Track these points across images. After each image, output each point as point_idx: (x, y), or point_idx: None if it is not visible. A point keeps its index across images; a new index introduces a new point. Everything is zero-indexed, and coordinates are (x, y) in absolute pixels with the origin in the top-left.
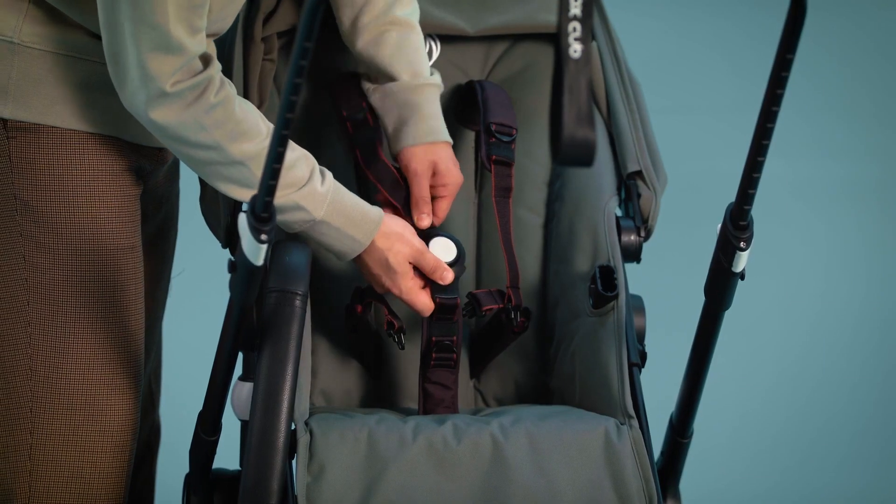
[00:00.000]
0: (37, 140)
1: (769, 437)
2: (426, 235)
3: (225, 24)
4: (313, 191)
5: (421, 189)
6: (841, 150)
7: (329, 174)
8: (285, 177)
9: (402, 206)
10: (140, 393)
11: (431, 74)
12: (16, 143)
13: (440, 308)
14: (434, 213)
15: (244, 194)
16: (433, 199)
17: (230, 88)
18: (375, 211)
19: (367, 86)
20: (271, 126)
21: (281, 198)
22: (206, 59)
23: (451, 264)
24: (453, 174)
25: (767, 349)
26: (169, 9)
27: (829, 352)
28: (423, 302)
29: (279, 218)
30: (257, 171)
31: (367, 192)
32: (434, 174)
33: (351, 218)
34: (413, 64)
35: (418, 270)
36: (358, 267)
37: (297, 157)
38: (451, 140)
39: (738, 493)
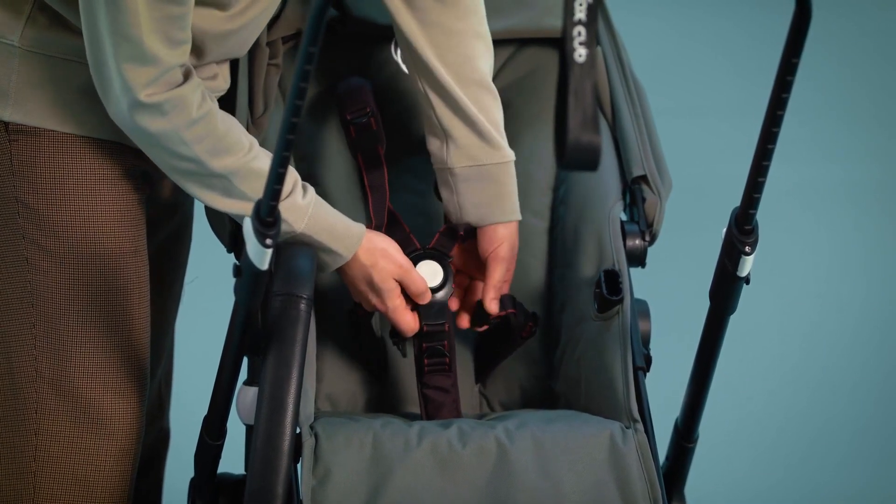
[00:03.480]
0: (38, 143)
1: (769, 436)
2: (415, 258)
3: (239, 49)
4: (294, 204)
5: (501, 275)
6: (841, 152)
7: (311, 188)
8: None
9: (377, 221)
10: (145, 397)
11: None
12: (17, 147)
13: (427, 335)
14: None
15: (226, 204)
16: None
17: (212, 103)
18: (358, 226)
19: (449, 160)
20: (253, 140)
21: None
22: (186, 73)
23: (436, 289)
24: (516, 254)
25: (768, 350)
26: (142, 20)
27: (829, 352)
28: (407, 322)
29: None
30: (239, 184)
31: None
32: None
33: (332, 232)
34: (493, 128)
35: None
36: (346, 284)
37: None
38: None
39: (739, 493)
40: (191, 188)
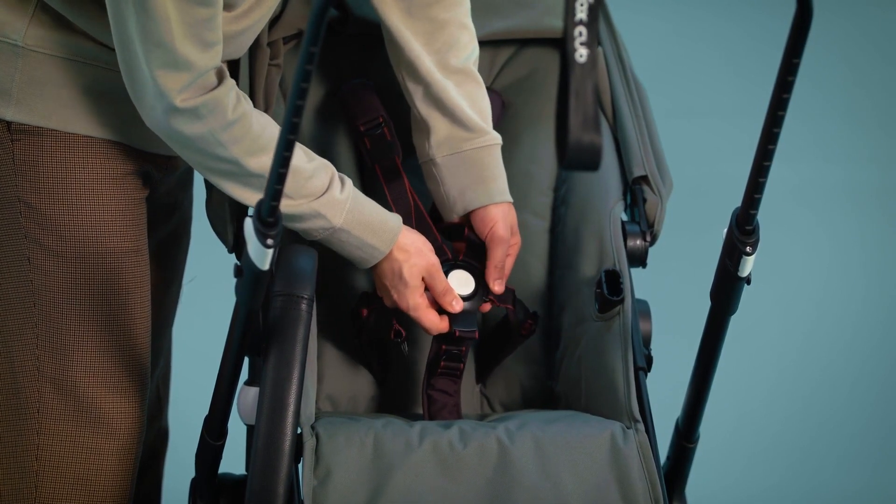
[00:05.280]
0: (41, 143)
1: (768, 436)
2: (447, 267)
3: (239, 51)
4: (332, 198)
5: (502, 255)
6: (842, 153)
7: (349, 181)
8: (305, 186)
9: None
10: (146, 396)
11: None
12: (20, 146)
13: (456, 339)
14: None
15: None
16: None
17: (247, 104)
18: (395, 219)
19: (430, 152)
20: None
21: (300, 206)
22: (220, 75)
23: (467, 298)
24: (518, 235)
25: (767, 350)
26: (173, 26)
27: (829, 353)
28: (431, 320)
29: (299, 226)
30: None
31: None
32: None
33: (370, 226)
34: (477, 113)
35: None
36: (373, 277)
37: (317, 167)
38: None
39: (739, 492)
40: (228, 187)
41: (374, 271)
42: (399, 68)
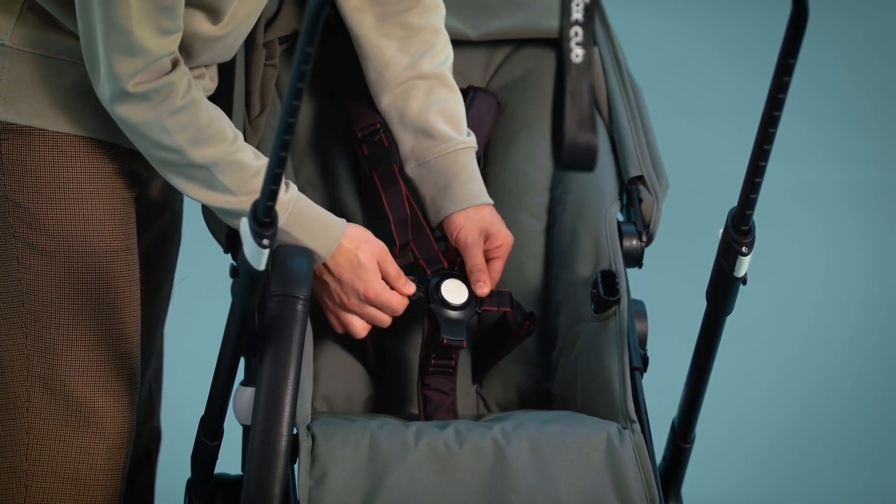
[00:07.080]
0: (28, 142)
1: (766, 437)
2: (442, 276)
3: (227, 54)
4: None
5: (475, 258)
6: (840, 153)
7: (293, 185)
8: (249, 183)
9: (401, 244)
10: (136, 395)
11: (468, 135)
12: (8, 146)
13: (444, 347)
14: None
15: (208, 196)
16: (486, 261)
17: (198, 93)
18: (337, 226)
19: (402, 158)
20: (238, 132)
21: (242, 203)
22: (174, 62)
23: (461, 307)
24: (505, 235)
25: (765, 351)
26: (133, 11)
27: (826, 353)
28: (399, 300)
29: (235, 223)
30: (220, 175)
31: (371, 210)
32: (487, 238)
33: (309, 230)
34: (444, 119)
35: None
36: (321, 293)
37: (263, 165)
38: (492, 201)
39: (736, 493)
40: (173, 179)
41: (325, 277)
42: (368, 81)
